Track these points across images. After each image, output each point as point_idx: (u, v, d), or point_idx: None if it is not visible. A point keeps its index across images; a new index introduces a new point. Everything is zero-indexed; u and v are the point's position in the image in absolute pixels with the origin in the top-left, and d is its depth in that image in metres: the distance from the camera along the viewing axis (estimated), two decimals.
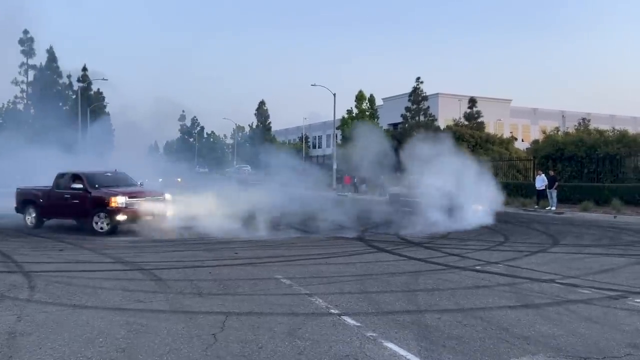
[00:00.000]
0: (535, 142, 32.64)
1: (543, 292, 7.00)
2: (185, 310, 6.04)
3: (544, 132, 35.05)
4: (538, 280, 7.73)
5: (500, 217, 19.41)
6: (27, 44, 46.64)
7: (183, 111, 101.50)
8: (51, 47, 48.57)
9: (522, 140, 59.57)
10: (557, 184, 22.92)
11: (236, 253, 10.45)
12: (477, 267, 8.77)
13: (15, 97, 47.15)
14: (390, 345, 4.83)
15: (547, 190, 22.92)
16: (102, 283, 7.50)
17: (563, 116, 70.63)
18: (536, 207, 23.17)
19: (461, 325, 5.47)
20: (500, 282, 7.61)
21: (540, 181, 23.73)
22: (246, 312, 5.92)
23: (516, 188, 27.23)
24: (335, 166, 42.19)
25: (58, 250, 10.80)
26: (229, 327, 5.35)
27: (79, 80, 51.46)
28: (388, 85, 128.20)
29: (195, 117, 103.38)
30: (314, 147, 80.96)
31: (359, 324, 5.47)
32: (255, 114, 79.35)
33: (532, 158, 29.70)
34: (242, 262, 9.35)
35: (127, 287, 7.19)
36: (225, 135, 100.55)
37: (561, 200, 23.20)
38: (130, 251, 10.64)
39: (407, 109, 47.39)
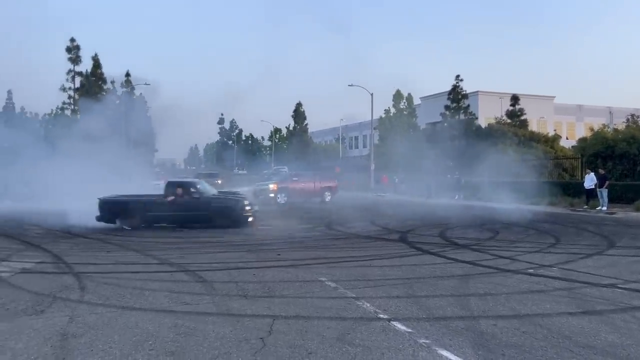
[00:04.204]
0: (583, 139, 31.36)
1: (604, 298, 6.59)
2: (231, 312, 5.98)
3: (591, 130, 33.63)
4: (597, 285, 7.29)
5: (547, 217, 18.73)
6: (73, 51, 48.32)
7: (222, 114, 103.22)
8: (96, 54, 50.23)
9: (567, 138, 57.57)
10: (607, 182, 21.91)
11: (279, 254, 10.39)
12: (530, 271, 8.39)
13: (63, 103, 48.94)
14: (445, 353, 4.61)
15: (597, 189, 21.95)
16: (148, 284, 7.56)
17: (610, 112, 67.92)
18: (585, 207, 22.24)
19: (519, 332, 5.18)
20: (556, 287, 7.23)
21: (589, 180, 22.77)
22: (293, 316, 5.80)
23: (563, 187, 26.27)
24: (372, 166, 41.83)
25: (106, 251, 11.01)
26: (277, 331, 5.24)
27: (122, 86, 52.99)
28: (427, 84, 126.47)
29: (233, 119, 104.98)
30: (351, 147, 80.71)
31: (410, 330, 5.26)
32: (292, 116, 79.69)
33: (579, 156, 28.57)
34: (285, 264, 9.26)
35: (173, 289, 7.21)
36: (262, 138, 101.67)
37: (612, 199, 22.16)
38: (175, 252, 10.74)
39: (447, 107, 46.49)
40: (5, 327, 5.45)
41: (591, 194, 22.50)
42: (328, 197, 28.63)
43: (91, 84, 48.75)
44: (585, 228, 15.16)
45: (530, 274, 8.10)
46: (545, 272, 8.31)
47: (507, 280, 7.69)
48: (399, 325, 5.42)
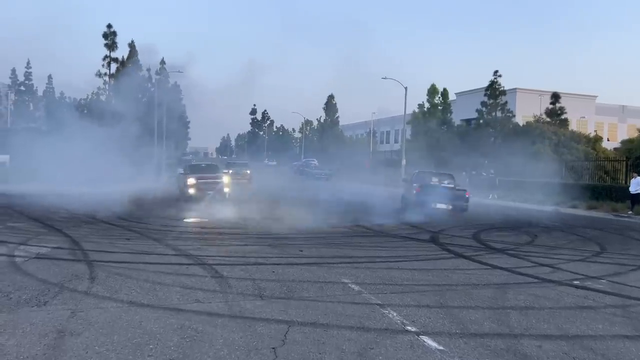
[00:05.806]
0: (629, 141, 29.73)
1: None
2: (244, 315, 5.48)
3: (638, 130, 31.83)
4: None
5: (588, 222, 17.68)
6: (110, 37, 48.82)
7: (254, 105, 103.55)
8: (132, 41, 50.63)
9: (608, 140, 55.19)
10: None
11: (301, 251, 9.87)
12: (576, 282, 7.60)
13: (98, 88, 49.55)
14: None
15: None
16: (161, 277, 7.14)
17: None
18: (630, 212, 20.96)
19: (569, 358, 4.51)
20: (607, 303, 6.47)
21: (635, 184, 21.46)
22: (311, 323, 5.26)
23: (604, 191, 24.93)
24: (404, 162, 40.90)
25: (125, 239, 10.72)
26: (291, 340, 4.71)
27: (157, 73, 53.31)
28: (463, 80, 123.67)
29: (265, 110, 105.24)
30: (382, 142, 79.60)
31: (441, 348, 4.65)
32: (323, 108, 79.09)
33: (624, 159, 27.05)
34: (307, 262, 8.73)
35: (187, 284, 6.77)
36: (293, 129, 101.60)
37: None
38: (195, 243, 10.36)
39: (483, 104, 44.98)
40: (3, 319, 5.10)
41: (636, 199, 21.22)
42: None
43: (127, 70, 49.15)
44: (631, 236, 14.12)
45: (576, 286, 7.33)
46: (592, 284, 7.52)
47: (550, 292, 6.96)
48: (429, 341, 4.81)
